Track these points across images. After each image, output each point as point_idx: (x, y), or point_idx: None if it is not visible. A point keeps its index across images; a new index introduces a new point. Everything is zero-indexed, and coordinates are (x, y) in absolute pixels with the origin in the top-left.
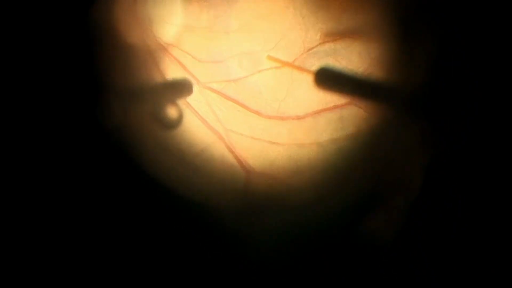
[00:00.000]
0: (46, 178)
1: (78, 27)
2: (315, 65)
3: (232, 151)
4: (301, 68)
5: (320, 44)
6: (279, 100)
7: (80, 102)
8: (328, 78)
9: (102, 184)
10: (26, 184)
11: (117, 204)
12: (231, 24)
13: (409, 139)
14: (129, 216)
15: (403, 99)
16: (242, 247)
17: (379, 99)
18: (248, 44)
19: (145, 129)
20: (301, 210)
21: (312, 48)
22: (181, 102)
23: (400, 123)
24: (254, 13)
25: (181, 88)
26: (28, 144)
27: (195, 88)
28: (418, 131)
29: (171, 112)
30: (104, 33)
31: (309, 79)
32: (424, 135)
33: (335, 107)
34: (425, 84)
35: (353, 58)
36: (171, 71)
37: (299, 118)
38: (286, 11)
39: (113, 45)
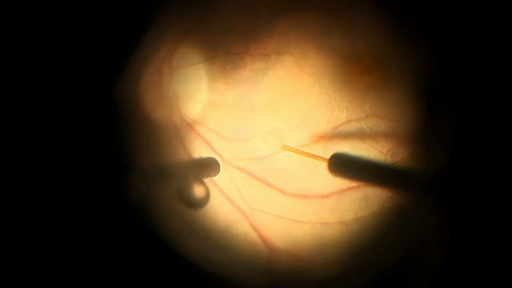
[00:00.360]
0: (69, 246)
1: (103, 103)
2: (341, 145)
3: (256, 229)
4: (315, 156)
5: (345, 122)
6: (304, 179)
7: (104, 179)
8: (342, 165)
9: (123, 257)
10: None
11: (139, 278)
12: (257, 102)
13: (431, 219)
14: None
15: (424, 181)
16: None
17: (398, 181)
18: (273, 122)
19: (169, 205)
20: (323, 286)
21: (338, 126)
22: (207, 181)
23: (422, 203)
24: (280, 91)
25: (208, 167)
26: (54, 213)
27: (221, 165)
28: (439, 212)
29: (197, 191)
30: (130, 110)
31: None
32: (444, 216)
33: (360, 186)
34: (446, 164)
35: (378, 138)
36: (197, 149)
37: (323, 196)
38: (312, 89)
39: (138, 122)
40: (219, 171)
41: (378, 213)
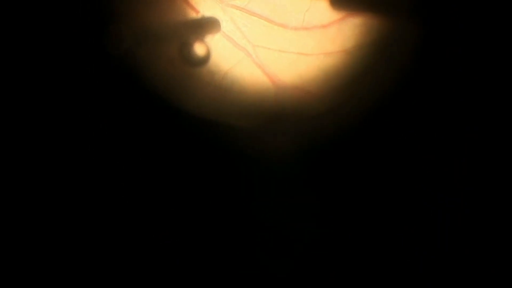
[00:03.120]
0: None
1: None
2: None
3: (260, 66)
4: None
5: None
6: (303, 11)
7: (87, 29)
8: None
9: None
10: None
11: (131, 132)
12: None
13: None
14: (148, 145)
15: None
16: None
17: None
18: None
19: (165, 62)
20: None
21: None
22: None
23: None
24: None
25: (208, 25)
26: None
27: (218, 6)
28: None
29: (199, 49)
30: None
31: None
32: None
33: (358, 12)
34: None
35: None
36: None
37: (324, 26)
38: None
39: None
40: (219, 29)
41: (377, 40)
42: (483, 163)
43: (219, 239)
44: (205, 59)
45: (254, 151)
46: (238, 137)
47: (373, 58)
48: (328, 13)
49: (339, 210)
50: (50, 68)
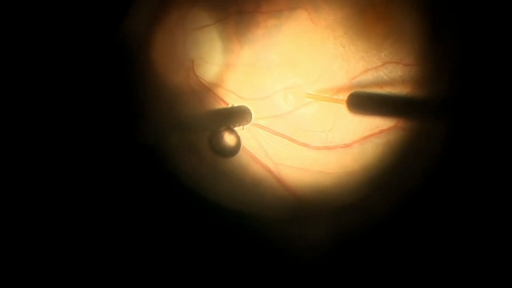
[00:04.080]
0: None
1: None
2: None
3: (282, 184)
4: (336, 100)
5: (362, 72)
6: (326, 131)
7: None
8: (360, 104)
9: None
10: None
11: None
12: (273, 60)
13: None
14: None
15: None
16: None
17: (413, 110)
18: (291, 78)
19: (195, 153)
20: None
21: (355, 77)
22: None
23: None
24: (295, 47)
25: (239, 115)
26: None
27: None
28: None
29: (229, 140)
30: (145, 76)
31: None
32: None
33: (381, 132)
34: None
35: (396, 84)
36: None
37: (346, 146)
38: (327, 42)
39: (155, 87)
40: (251, 119)
41: (399, 155)
42: None
43: None
44: (236, 149)
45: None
46: (265, 229)
47: (395, 175)
48: (350, 133)
49: None
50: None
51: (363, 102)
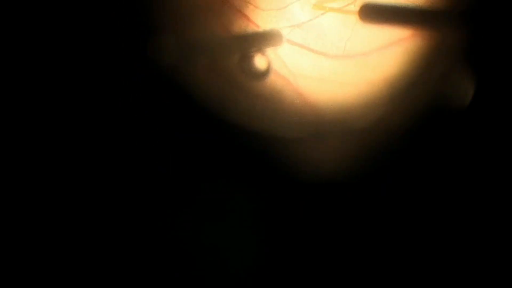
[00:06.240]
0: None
1: None
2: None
3: (301, 95)
4: (346, 11)
5: None
6: (345, 40)
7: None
8: (372, 14)
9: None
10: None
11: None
12: None
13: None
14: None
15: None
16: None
17: (426, 21)
18: None
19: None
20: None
21: None
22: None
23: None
24: None
25: (269, 37)
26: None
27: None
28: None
29: (259, 62)
30: None
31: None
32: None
33: (400, 40)
34: None
35: None
36: (234, 22)
37: (365, 55)
38: None
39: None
40: (281, 42)
41: (418, 65)
42: None
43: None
44: (266, 72)
45: (298, 162)
46: (283, 148)
47: (415, 86)
48: (369, 42)
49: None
50: (95, 78)
51: (376, 12)
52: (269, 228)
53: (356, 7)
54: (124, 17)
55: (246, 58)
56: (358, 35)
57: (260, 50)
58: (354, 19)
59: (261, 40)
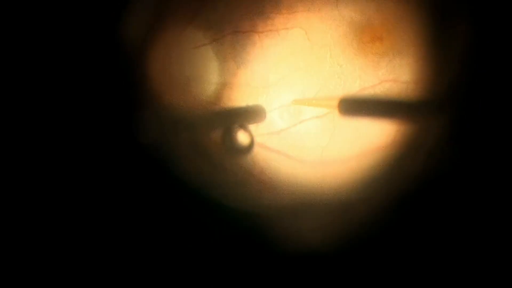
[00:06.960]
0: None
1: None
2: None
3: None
4: (326, 105)
5: (359, 91)
6: (322, 147)
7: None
8: (352, 108)
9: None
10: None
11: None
12: (269, 79)
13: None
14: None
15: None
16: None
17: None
18: (287, 96)
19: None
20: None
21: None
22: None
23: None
24: (291, 66)
25: (252, 113)
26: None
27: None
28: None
29: (241, 137)
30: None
31: (352, 122)
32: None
33: (379, 148)
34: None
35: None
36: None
37: (343, 162)
38: (323, 61)
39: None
40: (264, 117)
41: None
42: None
43: None
44: (248, 148)
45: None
46: (265, 225)
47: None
48: (347, 148)
49: None
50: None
51: (355, 106)
52: None
53: (335, 102)
54: (105, 93)
55: (229, 133)
56: (336, 142)
57: (242, 126)
58: (332, 126)
59: (243, 115)
